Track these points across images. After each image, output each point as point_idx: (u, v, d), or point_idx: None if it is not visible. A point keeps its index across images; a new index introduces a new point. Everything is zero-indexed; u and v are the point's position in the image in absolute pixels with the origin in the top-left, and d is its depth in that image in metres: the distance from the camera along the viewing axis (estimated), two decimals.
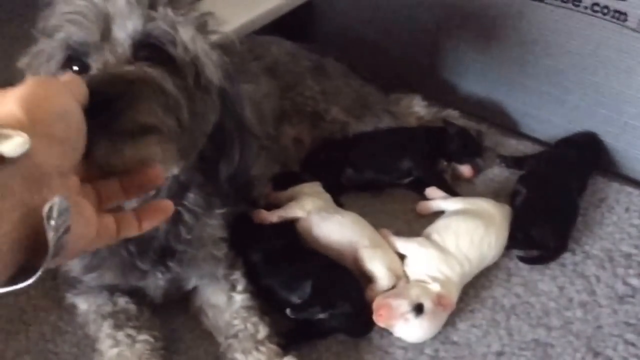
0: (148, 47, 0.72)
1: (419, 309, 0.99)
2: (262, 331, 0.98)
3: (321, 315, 0.98)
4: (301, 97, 1.32)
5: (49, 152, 0.44)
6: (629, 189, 1.31)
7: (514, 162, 1.35)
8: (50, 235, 0.41)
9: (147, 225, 0.56)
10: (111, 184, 0.55)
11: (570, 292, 1.12)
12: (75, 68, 0.72)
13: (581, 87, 1.33)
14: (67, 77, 0.57)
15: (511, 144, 1.43)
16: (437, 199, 1.25)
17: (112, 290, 1.01)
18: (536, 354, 1.02)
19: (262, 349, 0.96)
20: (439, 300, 1.01)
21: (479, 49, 1.43)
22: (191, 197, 0.91)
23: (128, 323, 0.99)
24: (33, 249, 0.42)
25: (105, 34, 0.71)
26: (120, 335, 0.97)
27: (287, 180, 1.23)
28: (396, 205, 1.28)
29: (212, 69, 0.78)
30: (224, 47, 0.83)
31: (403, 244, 1.13)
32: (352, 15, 1.59)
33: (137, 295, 1.02)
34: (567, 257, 1.17)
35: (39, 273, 0.42)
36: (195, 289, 1.05)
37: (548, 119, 1.41)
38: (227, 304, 1.02)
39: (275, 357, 0.96)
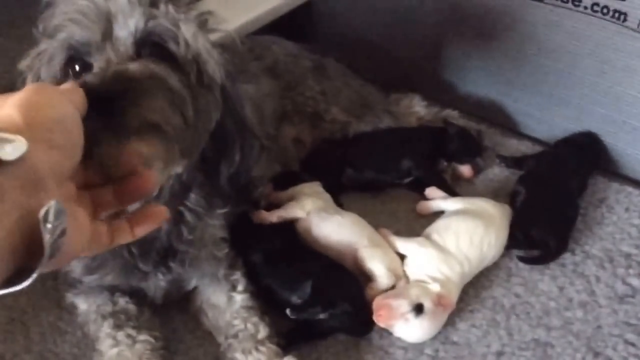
0: (150, 45, 0.72)
1: (419, 309, 0.99)
2: (262, 331, 0.98)
3: (321, 315, 0.98)
4: (301, 97, 1.32)
5: (46, 157, 0.44)
6: (629, 188, 1.30)
7: (513, 162, 1.35)
8: (46, 238, 0.41)
9: (140, 232, 0.56)
10: (105, 193, 0.55)
11: (570, 292, 1.12)
12: (77, 68, 0.72)
13: (581, 87, 1.33)
14: (67, 85, 0.57)
15: (511, 144, 1.43)
16: (437, 199, 1.25)
17: (112, 290, 1.01)
18: (536, 354, 1.02)
19: (262, 349, 0.96)
20: (439, 300, 1.01)
21: (478, 49, 1.43)
22: (193, 198, 0.92)
23: (128, 323, 0.99)
24: (29, 251, 0.42)
25: (107, 32, 0.71)
26: (120, 335, 0.97)
27: (287, 180, 1.23)
28: (396, 205, 1.28)
29: (214, 67, 0.79)
30: (225, 46, 0.83)
31: (403, 244, 1.13)
32: (351, 16, 1.59)
33: (137, 295, 1.02)
34: (567, 257, 1.17)
35: (34, 276, 0.42)
36: (195, 289, 1.05)
37: (548, 119, 1.41)
38: (227, 304, 1.02)
39: (275, 357, 0.96)
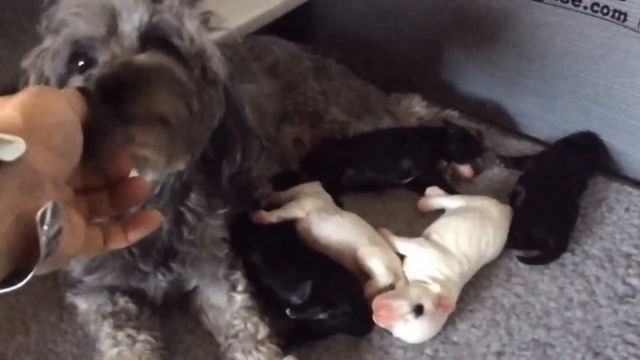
0: (154, 40, 0.73)
1: (418, 310, 0.99)
2: (262, 331, 0.98)
3: (321, 316, 0.98)
4: (302, 98, 1.32)
5: (44, 159, 0.45)
6: (629, 189, 1.30)
7: (513, 162, 1.35)
8: (42, 240, 0.42)
9: (134, 237, 0.55)
10: (101, 198, 0.55)
11: (570, 292, 1.12)
12: (81, 64, 0.72)
13: (581, 87, 1.33)
14: (68, 90, 0.58)
15: (511, 144, 1.43)
16: (437, 197, 1.25)
17: (112, 290, 1.01)
18: (536, 354, 1.02)
19: (262, 349, 0.97)
20: (439, 301, 1.01)
21: (478, 49, 1.43)
22: (193, 198, 0.92)
23: (128, 323, 0.99)
24: (25, 252, 0.43)
25: (112, 27, 0.71)
26: (121, 335, 0.97)
27: (287, 180, 1.23)
28: (396, 205, 1.28)
29: (218, 63, 0.79)
30: (226, 45, 0.83)
31: (403, 244, 1.13)
32: (351, 16, 1.59)
33: (137, 295, 1.02)
34: (567, 257, 1.17)
35: (30, 276, 0.42)
36: (195, 289, 1.05)
37: (548, 119, 1.41)
38: (227, 304, 1.02)
39: (275, 357, 0.96)
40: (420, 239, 1.13)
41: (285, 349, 0.98)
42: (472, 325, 1.06)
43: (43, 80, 0.75)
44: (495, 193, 1.28)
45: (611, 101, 1.31)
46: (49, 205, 0.42)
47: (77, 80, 0.68)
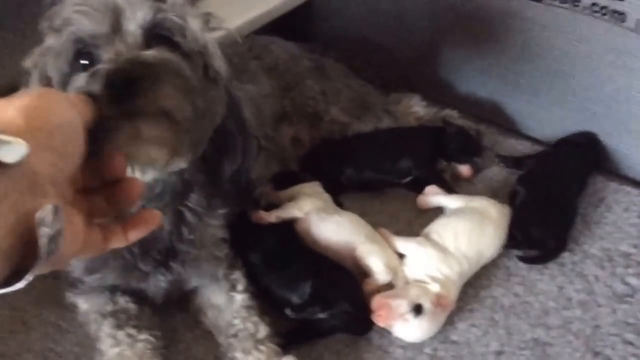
0: (158, 38, 0.73)
1: (418, 310, 0.99)
2: (262, 331, 0.99)
3: (321, 315, 0.99)
4: (301, 98, 1.32)
5: (45, 161, 0.45)
6: (628, 188, 1.31)
7: (512, 162, 1.36)
8: (42, 242, 0.42)
9: (134, 237, 0.56)
10: (100, 199, 0.55)
11: (569, 291, 1.12)
12: (84, 62, 0.72)
13: (580, 87, 1.34)
14: (75, 95, 0.58)
15: (510, 144, 1.43)
16: (436, 195, 1.25)
17: (112, 290, 1.01)
18: (535, 353, 1.02)
19: (262, 348, 0.97)
20: (438, 300, 1.01)
21: (477, 49, 1.43)
22: (194, 198, 0.92)
23: (129, 322, 0.99)
24: (25, 253, 0.43)
25: (116, 25, 0.71)
26: (121, 334, 0.97)
27: (287, 180, 1.23)
28: (396, 205, 1.28)
29: (220, 62, 0.79)
30: (226, 45, 0.83)
31: (402, 244, 1.13)
32: (351, 16, 1.59)
33: (137, 295, 1.02)
34: (566, 256, 1.17)
35: (29, 277, 0.43)
36: (195, 288, 1.05)
37: (547, 118, 1.42)
38: (227, 303, 1.02)
39: (275, 356, 0.97)
40: (419, 239, 1.14)
41: (285, 348, 0.99)
42: (472, 324, 1.07)
43: (45, 80, 0.75)
44: (494, 193, 1.28)
45: (610, 101, 1.31)
46: (49, 207, 0.43)
47: (81, 78, 0.68)
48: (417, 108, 1.44)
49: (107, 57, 0.69)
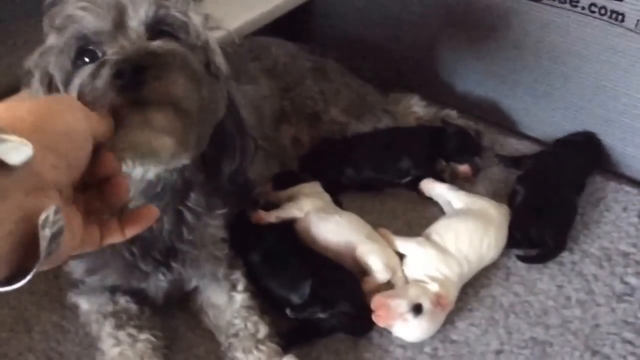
0: (161, 34, 0.74)
1: (417, 309, 1.00)
2: (263, 330, 0.99)
3: (321, 315, 0.99)
4: (300, 98, 1.32)
5: (49, 164, 0.45)
6: (627, 188, 1.31)
7: (512, 161, 1.36)
8: (43, 243, 0.42)
9: (131, 232, 0.56)
10: (94, 195, 0.55)
11: (568, 290, 1.12)
12: (87, 60, 0.72)
13: (579, 87, 1.34)
14: (93, 112, 0.58)
15: (510, 144, 1.43)
16: (440, 185, 1.25)
17: (113, 290, 1.02)
18: (534, 353, 1.03)
19: (263, 347, 0.97)
20: (437, 300, 1.02)
21: (477, 48, 1.44)
22: (193, 198, 0.92)
23: (129, 322, 0.99)
24: (26, 252, 0.43)
25: (119, 22, 0.72)
26: (122, 334, 0.98)
27: (287, 180, 1.23)
28: (396, 204, 1.29)
29: (221, 58, 0.80)
30: (225, 45, 0.84)
31: (402, 244, 1.13)
32: (351, 16, 1.59)
33: (138, 295, 1.02)
34: (565, 256, 1.17)
35: (29, 276, 0.43)
36: (195, 288, 1.06)
37: (546, 118, 1.42)
38: (227, 303, 1.02)
39: (275, 356, 0.97)
40: (419, 239, 1.14)
41: (285, 348, 0.99)
42: (471, 323, 1.07)
43: (47, 79, 0.75)
44: (493, 192, 1.29)
45: (610, 101, 1.31)
46: (51, 209, 0.43)
47: (86, 69, 0.68)
48: (416, 108, 1.45)
49: (111, 51, 0.70)
